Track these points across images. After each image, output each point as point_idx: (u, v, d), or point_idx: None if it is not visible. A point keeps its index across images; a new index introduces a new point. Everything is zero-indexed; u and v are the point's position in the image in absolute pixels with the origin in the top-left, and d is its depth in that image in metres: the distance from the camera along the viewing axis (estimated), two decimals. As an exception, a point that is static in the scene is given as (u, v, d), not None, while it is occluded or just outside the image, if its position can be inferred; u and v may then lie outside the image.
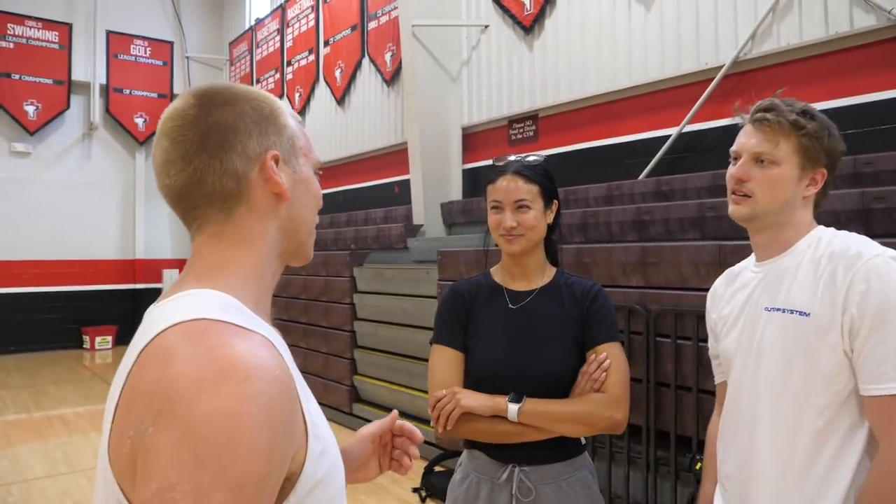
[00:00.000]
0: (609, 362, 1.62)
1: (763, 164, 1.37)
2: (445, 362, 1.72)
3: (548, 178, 1.73)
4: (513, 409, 1.59)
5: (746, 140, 1.41)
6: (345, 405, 6.26)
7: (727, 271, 1.60)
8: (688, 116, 4.79)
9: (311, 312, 7.04)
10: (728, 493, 1.48)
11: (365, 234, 7.25)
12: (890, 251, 1.29)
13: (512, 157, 1.75)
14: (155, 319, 0.75)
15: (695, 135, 4.86)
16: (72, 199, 11.31)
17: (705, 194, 4.25)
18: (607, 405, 1.59)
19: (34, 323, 10.86)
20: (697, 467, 3.13)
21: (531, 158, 1.74)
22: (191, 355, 0.68)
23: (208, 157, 0.81)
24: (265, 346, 0.73)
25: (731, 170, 1.43)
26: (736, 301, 1.50)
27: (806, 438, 1.31)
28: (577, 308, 1.70)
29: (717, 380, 1.64)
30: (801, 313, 1.32)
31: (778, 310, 1.37)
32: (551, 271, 1.79)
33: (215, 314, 0.73)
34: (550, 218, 1.74)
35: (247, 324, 0.75)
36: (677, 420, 3.36)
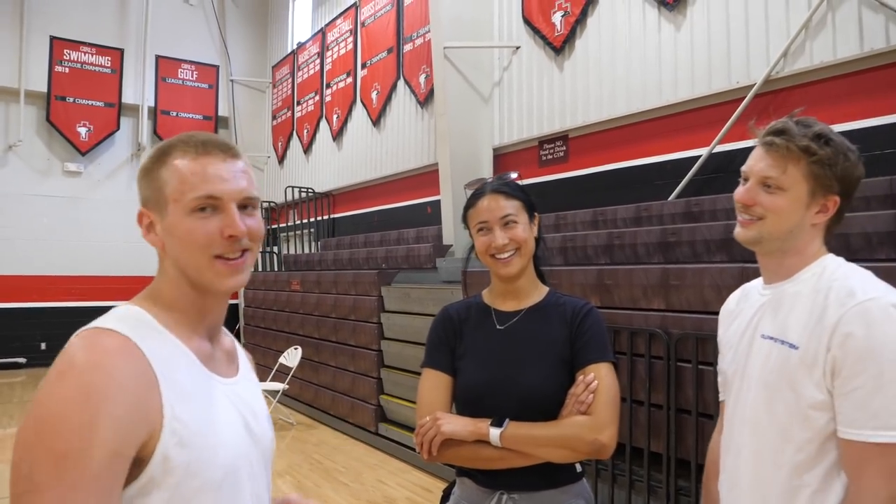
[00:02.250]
0: (596, 383, 1.56)
1: (770, 188, 1.33)
2: (432, 386, 1.68)
3: (525, 193, 1.71)
4: (494, 433, 1.53)
5: (755, 163, 1.37)
6: (370, 425, 6.20)
7: (742, 287, 1.57)
8: (719, 136, 4.68)
9: (340, 331, 7.06)
10: None
11: (395, 254, 7.26)
12: (890, 296, 1.23)
13: (488, 179, 1.74)
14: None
15: (726, 155, 4.74)
16: (120, 217, 11.58)
17: (734, 215, 4.11)
18: (592, 428, 1.52)
19: (81, 337, 11.18)
20: (718, 499, 3.00)
21: (508, 176, 1.72)
22: (65, 354, 0.87)
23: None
24: (124, 351, 0.88)
25: (738, 192, 1.40)
26: (740, 321, 1.48)
27: (784, 472, 1.30)
28: (566, 328, 1.65)
29: (721, 397, 1.62)
30: (791, 346, 1.30)
31: (771, 338, 1.35)
32: (542, 290, 1.74)
33: (110, 323, 0.91)
34: (535, 231, 1.70)
35: (131, 331, 0.91)
36: (699, 448, 3.23)
